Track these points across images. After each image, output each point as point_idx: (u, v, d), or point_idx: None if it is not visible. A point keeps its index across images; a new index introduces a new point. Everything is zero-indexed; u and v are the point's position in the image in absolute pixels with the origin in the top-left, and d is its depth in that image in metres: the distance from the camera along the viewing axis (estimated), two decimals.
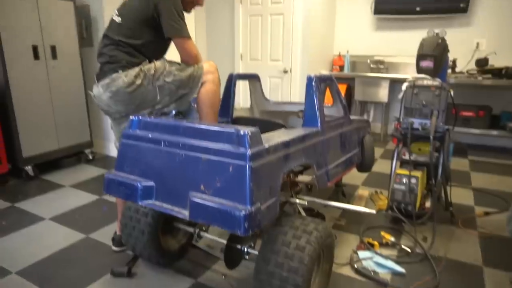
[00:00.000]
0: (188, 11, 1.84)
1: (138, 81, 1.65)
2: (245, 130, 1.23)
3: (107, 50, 1.72)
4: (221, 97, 2.19)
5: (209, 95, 1.73)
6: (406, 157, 2.30)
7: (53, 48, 3.09)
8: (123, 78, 1.65)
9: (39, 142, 3.11)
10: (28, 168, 3.04)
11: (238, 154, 1.21)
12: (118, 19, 1.73)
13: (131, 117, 1.53)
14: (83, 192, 2.81)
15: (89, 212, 2.47)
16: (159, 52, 1.78)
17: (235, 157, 1.21)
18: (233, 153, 1.22)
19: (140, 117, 1.51)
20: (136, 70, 1.66)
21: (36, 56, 2.98)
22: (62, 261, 1.90)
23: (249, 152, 1.20)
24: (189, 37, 1.72)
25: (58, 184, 2.98)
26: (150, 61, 1.71)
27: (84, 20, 3.45)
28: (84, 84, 3.39)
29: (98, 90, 1.72)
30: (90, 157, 3.55)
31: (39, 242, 2.08)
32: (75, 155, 3.47)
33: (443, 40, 2.33)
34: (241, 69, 4.62)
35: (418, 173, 2.23)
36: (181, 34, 1.68)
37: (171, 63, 1.74)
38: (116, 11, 1.77)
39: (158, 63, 1.70)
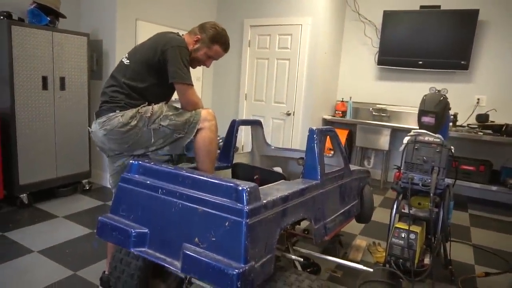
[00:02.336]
0: (193, 67, 1.90)
1: (133, 122, 1.67)
2: (244, 185, 1.22)
3: (109, 91, 1.77)
4: (221, 142, 2.20)
5: (206, 142, 1.74)
6: (406, 210, 2.27)
7: (62, 80, 3.16)
8: (119, 117, 1.68)
9: (37, 170, 3.10)
10: (23, 196, 3.01)
11: (236, 209, 1.19)
12: (126, 61, 1.79)
13: (131, 161, 1.53)
14: (76, 224, 2.76)
15: (79, 247, 2.41)
16: (161, 97, 1.81)
17: (232, 212, 1.20)
18: (231, 208, 1.20)
19: (140, 162, 1.51)
20: (133, 111, 1.70)
21: (44, 86, 3.04)
22: None
23: (246, 208, 1.18)
24: (191, 85, 1.76)
25: (51, 214, 2.93)
26: (149, 104, 1.74)
27: (95, 54, 3.56)
28: (89, 115, 3.43)
29: (95, 126, 1.75)
30: (87, 187, 3.52)
31: (24, 277, 2.02)
32: (72, 185, 3.44)
33: (445, 98, 2.38)
34: (245, 109, 4.69)
35: (417, 228, 2.19)
36: (184, 80, 1.72)
37: (169, 107, 1.77)
38: (126, 54, 1.83)
39: (156, 107, 1.73)
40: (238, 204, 1.19)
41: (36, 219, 2.82)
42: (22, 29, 2.84)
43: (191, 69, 1.81)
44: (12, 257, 2.22)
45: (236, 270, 1.11)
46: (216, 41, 1.85)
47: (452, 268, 2.30)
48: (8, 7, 2.95)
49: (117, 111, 1.71)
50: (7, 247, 2.35)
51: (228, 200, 1.22)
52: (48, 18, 3.04)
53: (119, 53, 3.45)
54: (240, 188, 1.21)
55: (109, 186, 3.55)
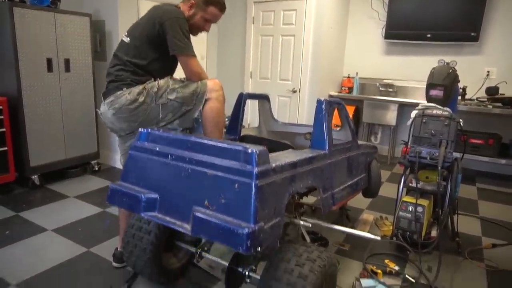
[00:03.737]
0: (194, 34, 1.88)
1: (141, 99, 1.68)
2: (253, 148, 1.23)
3: (113, 70, 1.77)
4: (227, 115, 2.21)
5: (213, 113, 1.75)
6: (413, 184, 2.27)
7: (66, 61, 3.15)
8: (126, 95, 1.68)
9: (47, 151, 3.14)
10: (35, 177, 3.06)
11: (245, 171, 1.21)
12: (126, 39, 1.79)
13: (140, 129, 1.54)
14: (87, 204, 2.81)
15: (92, 225, 2.47)
16: (165, 71, 1.80)
17: (241, 174, 1.21)
18: (240, 170, 1.22)
19: (149, 129, 1.53)
20: (139, 87, 1.70)
21: (50, 68, 3.04)
22: (61, 275, 1.89)
23: (255, 170, 1.20)
24: (193, 55, 1.75)
25: (62, 194, 2.98)
26: (155, 80, 1.74)
27: (98, 35, 3.53)
28: (95, 96, 3.44)
29: (104, 107, 1.76)
30: (96, 168, 3.56)
31: (40, 254, 2.07)
32: (81, 166, 3.49)
33: (454, 70, 2.34)
34: (250, 87, 4.66)
35: (424, 202, 2.20)
36: (185, 51, 1.71)
37: (174, 80, 1.77)
38: (126, 32, 1.82)
39: (161, 81, 1.73)
40: (248, 166, 1.21)
41: (47, 199, 2.87)
42: (24, 10, 2.82)
43: (193, 38, 1.80)
44: (27, 236, 2.28)
45: (246, 230, 1.13)
46: (211, 2, 1.82)
47: (459, 240, 2.31)
48: None
49: (124, 89, 1.71)
50: (21, 226, 2.41)
51: (238, 163, 1.23)
52: None
53: (122, 33, 3.37)
54: (250, 150, 1.22)
55: (117, 166, 3.63)
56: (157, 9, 1.76)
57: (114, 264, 1.97)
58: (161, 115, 1.72)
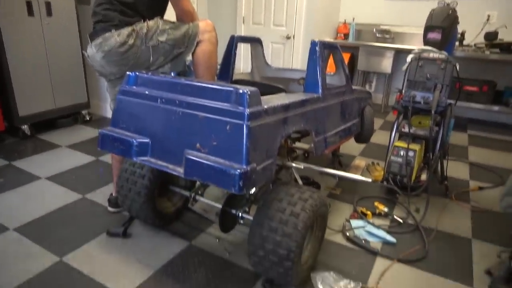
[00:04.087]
0: None
1: (131, 41, 1.60)
2: (244, 89, 1.20)
3: (100, 9, 1.66)
4: (219, 58, 2.14)
5: (206, 55, 1.68)
6: (406, 129, 2.28)
7: (47, 4, 2.97)
8: (115, 37, 1.60)
9: (35, 101, 3.06)
10: (25, 127, 3.02)
11: (236, 113, 1.19)
12: None
13: (128, 72, 1.49)
14: (80, 153, 2.80)
15: (86, 173, 2.48)
16: (154, 11, 1.70)
17: (233, 116, 1.20)
18: (231, 111, 1.20)
19: (137, 73, 1.48)
20: (129, 29, 1.61)
21: (30, 12, 2.87)
22: (58, 220, 1.92)
23: (247, 111, 1.18)
24: None
25: (54, 144, 2.96)
26: (144, 21, 1.65)
27: None
28: (81, 42, 3.30)
29: (91, 50, 1.68)
30: (87, 118, 3.51)
31: (36, 201, 2.10)
32: (71, 116, 3.44)
33: (454, 11, 2.25)
34: (243, 33, 4.49)
35: (416, 147, 2.22)
36: None
37: (165, 21, 1.68)
38: None
39: (151, 22, 1.64)
40: (239, 107, 1.19)
41: (39, 148, 2.86)
42: None
43: None
44: (21, 184, 2.29)
45: (238, 171, 1.13)
46: None
47: (447, 184, 2.37)
48: None
49: (112, 30, 1.62)
50: (15, 175, 2.41)
51: (229, 104, 1.21)
52: None
53: None
54: (241, 91, 1.19)
55: (109, 116, 3.58)
56: None
57: (110, 209, 2.01)
58: (152, 58, 1.65)
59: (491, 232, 1.95)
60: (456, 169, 2.75)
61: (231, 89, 1.22)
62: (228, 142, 1.20)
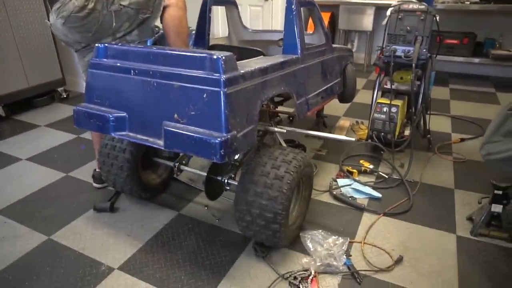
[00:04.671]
0: None
1: (91, 5, 1.51)
2: (218, 54, 1.16)
3: None
4: (193, 27, 2.06)
5: (175, 21, 1.61)
6: (388, 86, 2.27)
7: None
8: (73, 1, 1.51)
9: (7, 81, 2.93)
10: None
11: (212, 80, 1.15)
12: None
13: (97, 44, 1.42)
14: (59, 131, 2.73)
15: (67, 151, 2.42)
16: None
17: (208, 83, 1.16)
18: (207, 79, 1.16)
19: (106, 44, 1.41)
20: None
21: None
22: (43, 199, 1.89)
23: (223, 77, 1.14)
24: None
25: (32, 124, 2.87)
26: None
27: None
28: (48, 16, 3.11)
29: (52, 17, 1.59)
30: (64, 95, 3.40)
31: (18, 182, 2.05)
32: (47, 94, 3.31)
33: None
34: None
35: (399, 102, 2.22)
36: None
37: None
38: None
39: None
40: (215, 74, 1.15)
41: (17, 130, 2.77)
42: None
43: None
44: (2, 166, 2.23)
45: (219, 139, 1.11)
46: None
47: (430, 137, 2.41)
48: None
49: None
50: None
51: (204, 72, 1.17)
52: None
53: None
54: (215, 57, 1.15)
55: None
56: None
57: (95, 185, 1.98)
58: (114, 24, 1.56)
59: (472, 181, 2.01)
60: (438, 123, 2.78)
61: (205, 55, 1.17)
62: (206, 111, 1.17)
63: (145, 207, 1.81)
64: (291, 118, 2.78)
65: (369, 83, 3.88)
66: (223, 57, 1.16)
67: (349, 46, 4.57)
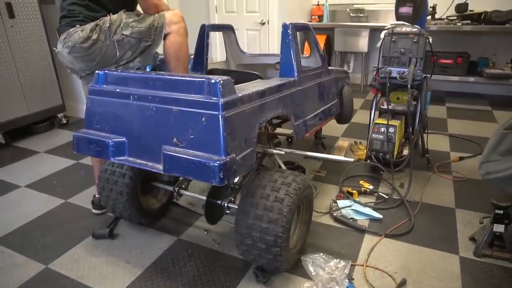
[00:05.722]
0: None
1: (94, 36, 1.55)
2: (216, 79, 1.18)
3: (66, 4, 1.64)
4: (191, 49, 2.10)
5: (175, 47, 1.65)
6: (385, 106, 2.29)
7: (8, 6, 2.84)
8: (79, 32, 1.56)
9: (7, 108, 2.96)
10: None
11: (210, 103, 1.17)
12: None
13: (96, 71, 1.45)
14: (59, 157, 2.73)
15: (67, 177, 2.42)
16: (121, 5, 1.65)
17: (207, 107, 1.18)
18: (205, 103, 1.18)
19: (106, 71, 1.43)
20: (92, 24, 1.57)
21: None
22: (42, 227, 1.87)
23: (221, 101, 1.16)
24: None
25: (32, 150, 2.88)
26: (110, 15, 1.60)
27: None
28: (49, 43, 3.18)
29: (59, 46, 1.65)
30: (64, 121, 3.42)
31: (16, 210, 2.04)
32: (47, 120, 3.34)
33: None
34: (216, 22, 4.41)
35: (396, 122, 2.24)
36: None
37: (129, 14, 1.63)
38: None
39: (114, 16, 1.59)
40: (213, 98, 1.17)
41: (17, 156, 2.77)
42: None
43: None
44: (1, 194, 2.22)
45: (218, 162, 1.12)
46: None
47: (429, 156, 2.41)
48: None
49: (76, 25, 1.59)
50: None
51: (202, 96, 1.19)
52: None
53: None
54: (213, 81, 1.17)
55: None
56: None
57: (94, 211, 1.97)
58: (118, 53, 1.60)
59: (473, 200, 2.00)
60: (436, 142, 2.79)
61: (203, 79, 1.20)
62: (205, 134, 1.18)
63: (144, 233, 1.79)
64: (289, 140, 2.80)
65: (366, 103, 3.92)
66: (221, 81, 1.18)
67: (345, 67, 4.65)
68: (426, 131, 2.41)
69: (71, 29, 1.58)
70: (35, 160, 2.71)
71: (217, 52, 4.38)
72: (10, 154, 2.83)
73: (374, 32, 4.18)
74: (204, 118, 1.18)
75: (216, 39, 4.34)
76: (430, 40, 2.20)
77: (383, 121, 2.25)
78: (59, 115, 3.40)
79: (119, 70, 1.45)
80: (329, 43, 4.51)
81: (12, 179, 2.41)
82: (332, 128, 3.00)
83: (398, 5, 2.34)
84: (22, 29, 2.98)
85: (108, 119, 1.41)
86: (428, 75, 2.32)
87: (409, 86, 2.11)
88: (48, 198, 2.16)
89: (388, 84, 2.20)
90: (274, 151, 1.72)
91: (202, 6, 4.45)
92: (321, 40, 4.30)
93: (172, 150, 1.22)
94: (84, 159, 2.65)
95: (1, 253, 1.67)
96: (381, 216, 1.84)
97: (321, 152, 2.63)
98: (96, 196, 1.96)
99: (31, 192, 2.24)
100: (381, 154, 2.26)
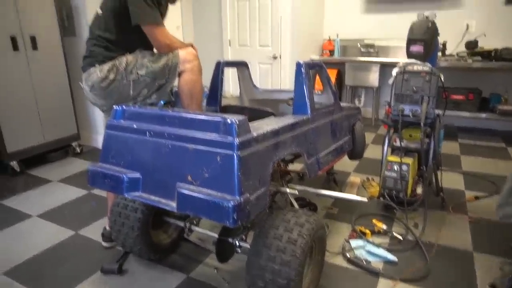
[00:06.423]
0: (172, 2, 1.78)
1: (112, 76, 1.62)
2: (232, 118, 1.20)
3: (89, 45, 1.72)
4: (207, 85, 2.14)
5: (188, 85, 1.68)
6: (397, 143, 2.28)
7: (33, 39, 2.98)
8: (97, 73, 1.63)
9: (24, 136, 3.02)
10: (14, 164, 2.97)
11: (226, 143, 1.18)
12: (99, 12, 1.70)
13: (114, 106, 1.49)
14: (72, 186, 2.75)
15: (78, 208, 2.42)
16: (139, 44, 1.71)
17: (222, 146, 1.19)
18: (221, 142, 1.19)
19: (124, 106, 1.47)
20: (109, 64, 1.64)
21: (15, 47, 2.86)
22: (51, 259, 1.86)
23: (237, 141, 1.17)
24: (157, 24, 1.63)
25: (45, 179, 2.91)
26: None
27: (64, 8, 3.33)
28: (68, 75, 3.29)
29: (83, 83, 1.73)
30: (78, 150, 3.47)
31: (26, 241, 2.04)
32: (62, 149, 3.39)
33: (433, 23, 2.29)
34: (229, 55, 4.54)
35: (409, 160, 2.22)
36: (147, 21, 1.59)
37: (144, 54, 1.69)
38: (100, 4, 1.71)
39: (130, 56, 1.66)
40: (228, 137, 1.18)
41: (30, 185, 2.80)
42: None
43: (170, 17, 1.71)
44: (11, 223, 2.23)
45: (232, 202, 1.11)
46: None
47: (444, 195, 2.37)
48: None
49: (96, 65, 1.66)
50: (5, 214, 2.35)
51: (218, 135, 1.20)
52: None
53: (89, 6, 3.23)
54: (229, 121, 1.18)
55: (99, 147, 3.55)
56: None
57: (104, 244, 1.96)
58: (133, 92, 1.65)
59: (491, 243, 1.94)
60: (451, 180, 2.75)
61: (219, 119, 1.21)
62: (220, 173, 1.18)
63: (153, 270, 1.76)
64: (301, 175, 2.78)
65: (377, 137, 3.91)
66: (237, 121, 1.19)
67: (356, 101, 4.69)
68: (440, 169, 2.38)
69: (91, 69, 1.65)
70: (48, 189, 2.73)
71: (230, 85, 4.46)
72: (24, 182, 2.86)
73: (385, 67, 4.24)
74: (219, 157, 1.19)
75: (229, 71, 4.43)
76: (442, 78, 2.21)
77: (396, 158, 2.23)
78: (73, 144, 3.46)
79: (137, 106, 1.48)
80: (340, 77, 4.57)
81: (24, 208, 2.42)
82: (343, 163, 2.98)
83: (409, 43, 2.37)
84: (44, 60, 3.09)
85: (124, 154, 1.43)
86: (440, 113, 2.32)
87: (422, 124, 2.10)
88: (58, 229, 2.16)
89: (401, 121, 2.20)
90: (288, 190, 1.71)
91: (216, 39, 4.59)
92: (332, 74, 4.37)
93: (186, 188, 1.22)
94: (96, 190, 2.67)
95: (8, 286, 1.66)
96: (395, 259, 1.79)
97: (333, 188, 2.61)
98: (107, 228, 1.95)
99: (42, 222, 2.25)
100: (394, 192, 2.23)
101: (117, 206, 1.72)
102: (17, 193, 2.65)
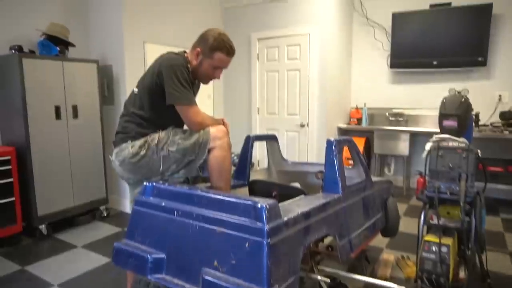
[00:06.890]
0: (205, 83, 1.87)
1: (143, 152, 1.65)
2: (262, 203, 1.16)
3: (122, 121, 1.78)
4: (234, 152, 2.15)
5: (218, 161, 1.69)
6: (434, 221, 2.14)
7: (74, 108, 3.18)
8: (129, 148, 1.68)
9: (55, 200, 3.09)
10: (42, 227, 3.01)
11: (255, 229, 1.13)
12: (135, 90, 1.78)
13: (145, 183, 1.49)
14: (95, 253, 2.72)
15: (99, 277, 2.36)
16: (171, 122, 1.76)
17: (252, 232, 1.14)
18: (250, 228, 1.14)
19: (154, 183, 1.47)
20: (142, 140, 1.69)
21: (58, 116, 3.06)
22: None
23: (267, 227, 1.12)
24: (190, 104, 1.68)
25: (70, 244, 2.91)
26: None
27: (106, 79, 3.58)
28: (103, 141, 3.43)
29: (112, 157, 1.77)
30: (105, 213, 3.50)
31: None
32: (89, 212, 3.43)
33: (466, 99, 2.26)
34: (258, 123, 4.63)
35: (448, 240, 2.05)
36: (181, 101, 1.65)
37: (176, 132, 1.73)
38: (137, 83, 1.81)
39: (162, 133, 1.70)
40: (258, 223, 1.13)
41: (55, 250, 2.80)
42: (33, 61, 2.88)
43: (203, 85, 1.79)
44: None
45: None
46: (216, 48, 1.72)
47: (491, 281, 2.14)
48: (19, 41, 3.01)
49: (128, 141, 1.71)
50: (26, 282, 2.32)
51: (247, 219, 1.16)
52: (58, 48, 3.08)
53: (129, 77, 3.46)
54: (259, 205, 1.14)
55: (127, 211, 3.57)
56: (159, 58, 1.75)
57: None
58: (162, 167, 1.67)
59: None
60: (497, 262, 2.51)
61: (249, 202, 1.18)
62: (248, 261, 1.12)
63: None
64: (330, 249, 2.63)
65: (410, 208, 3.72)
66: (267, 206, 1.15)
67: (385, 169, 4.57)
68: (484, 250, 2.18)
69: (124, 145, 1.70)
70: (72, 256, 2.71)
71: (257, 152, 4.49)
72: (49, 247, 2.86)
73: (415, 136, 4.17)
74: (248, 244, 1.13)
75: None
76: (480, 153, 2.12)
77: (434, 238, 2.07)
78: (101, 207, 3.50)
79: (166, 184, 1.48)
80: (368, 145, 4.52)
81: (46, 276, 2.39)
82: (376, 238, 2.81)
83: (441, 118, 2.32)
84: (82, 127, 3.26)
85: (150, 232, 1.40)
86: (480, 190, 2.18)
87: (461, 204, 1.98)
88: None
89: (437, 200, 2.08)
90: (319, 277, 1.60)
91: (245, 107, 4.74)
92: (360, 142, 4.33)
93: (212, 275, 1.16)
94: None
95: None
96: None
97: (366, 267, 2.44)
98: None
99: None
100: (434, 276, 2.03)
101: (138, 284, 1.65)
102: (41, 259, 2.64)
